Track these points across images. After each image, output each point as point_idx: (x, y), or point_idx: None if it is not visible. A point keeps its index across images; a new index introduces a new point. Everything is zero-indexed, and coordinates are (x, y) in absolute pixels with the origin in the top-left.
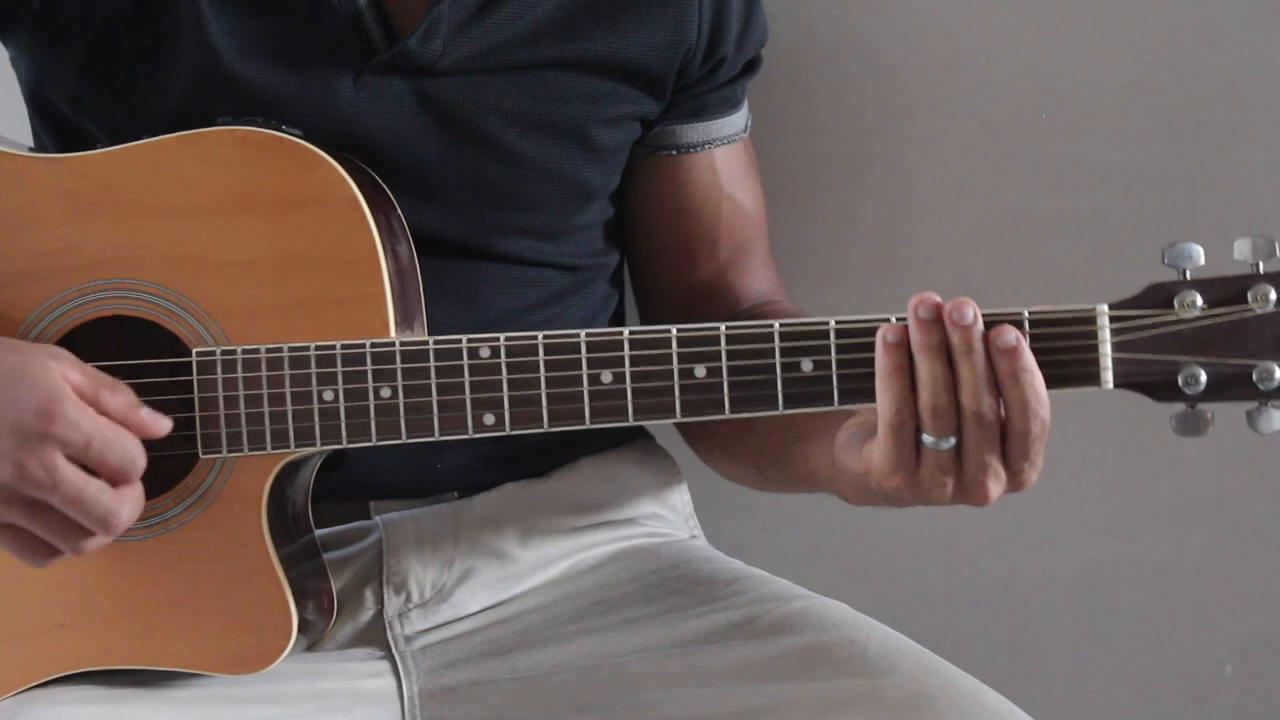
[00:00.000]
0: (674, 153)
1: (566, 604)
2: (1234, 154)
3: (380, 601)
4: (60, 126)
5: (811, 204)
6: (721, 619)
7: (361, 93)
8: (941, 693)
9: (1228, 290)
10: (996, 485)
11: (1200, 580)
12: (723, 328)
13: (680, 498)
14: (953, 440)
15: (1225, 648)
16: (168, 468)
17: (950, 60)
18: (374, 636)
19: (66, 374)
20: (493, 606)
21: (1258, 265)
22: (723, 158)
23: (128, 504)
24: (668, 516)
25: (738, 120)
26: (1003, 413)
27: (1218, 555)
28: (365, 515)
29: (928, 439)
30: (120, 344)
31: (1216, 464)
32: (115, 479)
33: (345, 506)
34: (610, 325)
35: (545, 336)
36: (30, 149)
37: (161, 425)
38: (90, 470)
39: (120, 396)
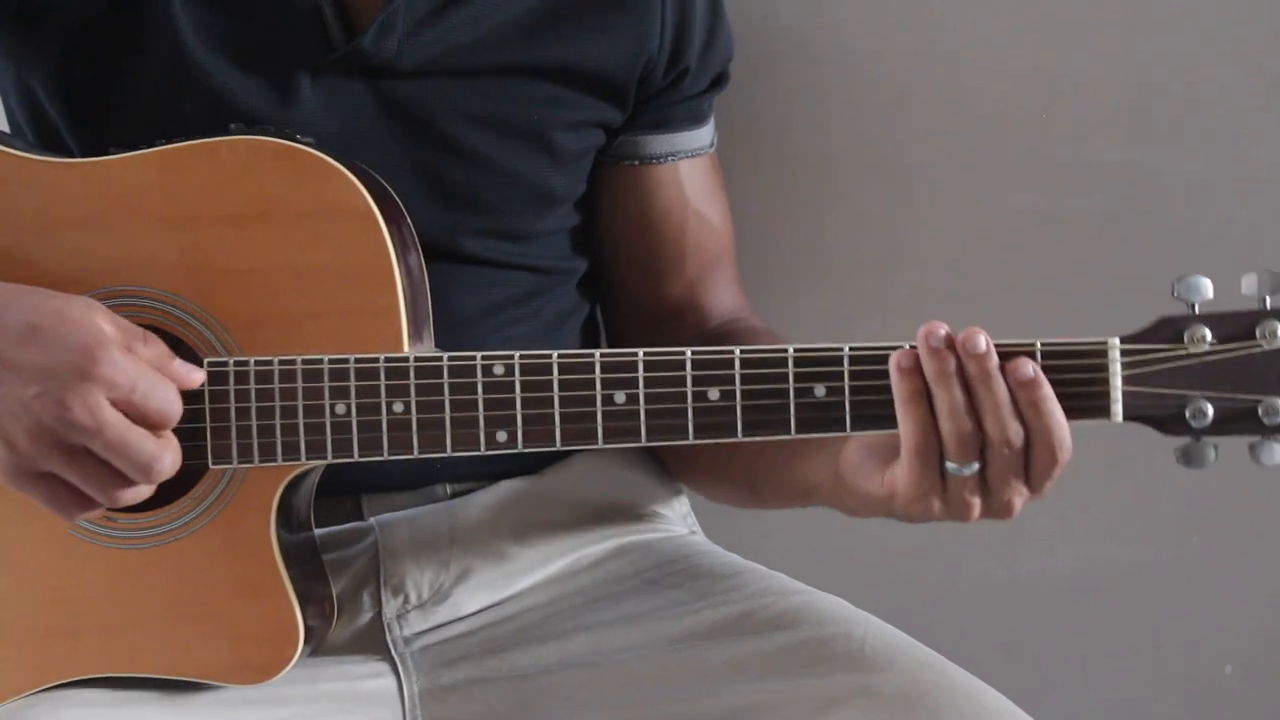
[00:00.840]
0: (637, 163)
1: (565, 601)
2: (1234, 154)
3: (378, 604)
4: (40, 123)
5: (808, 206)
6: (719, 614)
7: (319, 91)
8: (938, 689)
9: (1237, 326)
10: (1020, 501)
11: (1200, 580)
12: (737, 351)
13: (678, 495)
14: (976, 466)
15: (1225, 648)
16: (177, 476)
17: (949, 60)
18: (373, 639)
19: (104, 321)
20: (491, 606)
21: (1264, 300)
22: (688, 171)
23: (169, 452)
24: (665, 513)
25: (703, 135)
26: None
27: (1218, 556)
28: (358, 510)
29: (951, 466)
30: None
31: (1217, 465)
32: (155, 426)
33: (337, 501)
34: (584, 330)
35: (560, 355)
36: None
37: (195, 377)
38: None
39: (154, 348)
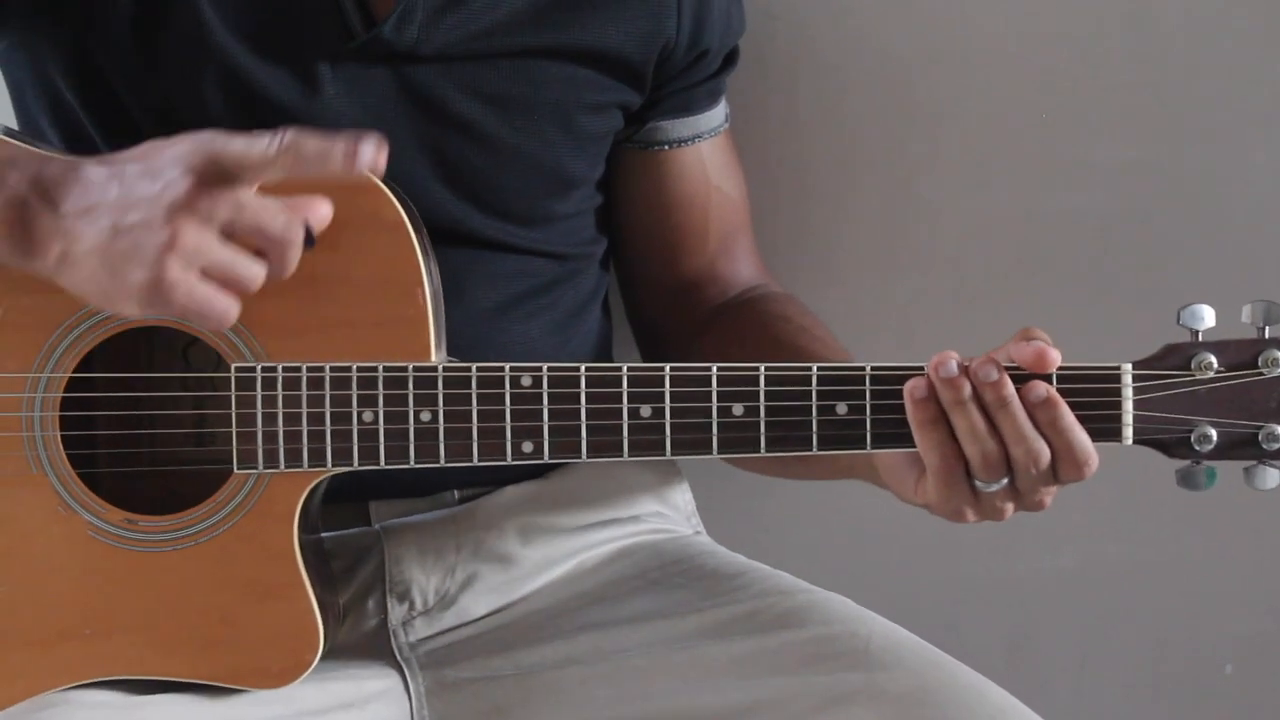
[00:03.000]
0: (667, 148)
1: (571, 603)
2: (1235, 154)
3: (384, 610)
4: (59, 112)
5: (810, 204)
6: (725, 614)
7: (340, 78)
8: (944, 687)
9: (1241, 354)
10: (1051, 496)
11: (1200, 580)
12: (762, 368)
13: (682, 496)
14: (1005, 480)
15: (1225, 648)
16: (200, 480)
17: (950, 59)
18: (378, 644)
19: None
20: (497, 610)
21: (1262, 329)
22: (709, 150)
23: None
24: (670, 514)
25: (720, 113)
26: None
27: (1218, 555)
28: (365, 514)
29: (980, 484)
30: (153, 354)
31: (1217, 464)
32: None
33: (345, 506)
34: (600, 319)
35: (588, 368)
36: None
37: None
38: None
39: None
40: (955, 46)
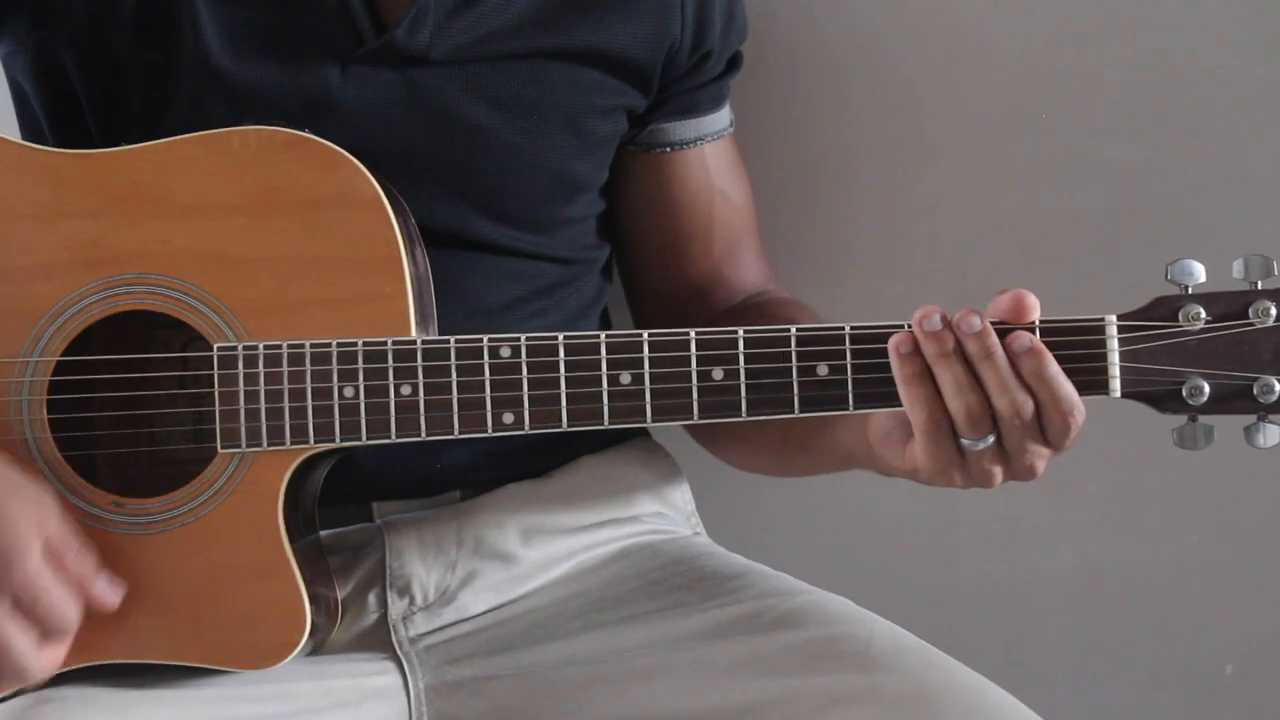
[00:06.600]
0: (668, 150)
1: (571, 602)
2: (1235, 153)
3: (384, 605)
4: (57, 106)
5: (811, 204)
6: (725, 614)
7: (349, 82)
8: (945, 688)
9: (1231, 305)
10: (1042, 462)
11: (1200, 580)
12: (740, 332)
13: (682, 495)
14: (991, 439)
15: (1225, 648)
16: (186, 461)
17: (951, 59)
18: (378, 639)
19: (44, 522)
20: (497, 608)
21: (1255, 283)
22: (712, 153)
23: (41, 663)
24: (670, 514)
25: (724, 116)
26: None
27: (1218, 555)
28: (368, 516)
29: (966, 442)
30: (141, 338)
31: (1216, 464)
32: (46, 634)
33: (347, 508)
34: (600, 316)
35: (566, 337)
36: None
37: (111, 600)
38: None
39: (85, 562)
40: (955, 46)
